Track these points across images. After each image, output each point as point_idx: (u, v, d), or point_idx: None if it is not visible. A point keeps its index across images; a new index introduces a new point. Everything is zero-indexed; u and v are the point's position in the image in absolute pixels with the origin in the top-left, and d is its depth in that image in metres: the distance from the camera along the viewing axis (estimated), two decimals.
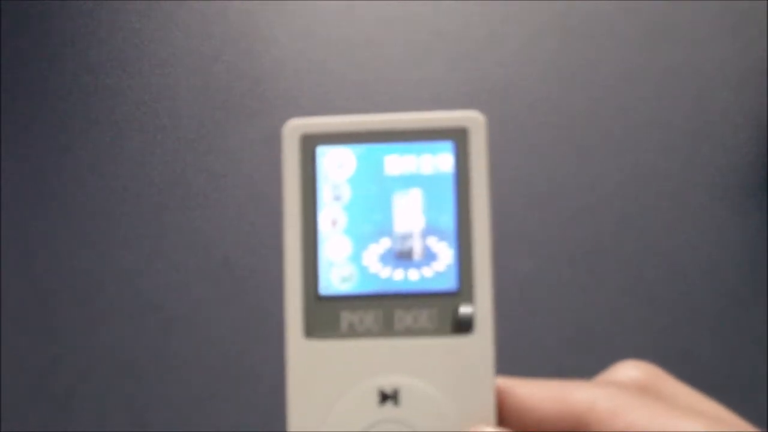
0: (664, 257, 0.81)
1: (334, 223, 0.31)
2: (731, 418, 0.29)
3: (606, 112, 0.85)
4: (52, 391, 0.80)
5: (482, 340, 0.30)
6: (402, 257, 0.31)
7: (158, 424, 0.79)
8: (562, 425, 0.29)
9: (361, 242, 0.31)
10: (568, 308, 0.80)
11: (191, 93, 0.89)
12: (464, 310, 0.30)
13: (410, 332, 0.30)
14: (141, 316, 0.82)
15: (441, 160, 0.31)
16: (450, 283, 0.31)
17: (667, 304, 0.80)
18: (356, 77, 0.88)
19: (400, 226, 0.31)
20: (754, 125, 0.84)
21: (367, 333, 0.30)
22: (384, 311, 0.31)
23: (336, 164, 0.31)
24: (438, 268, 0.31)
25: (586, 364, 0.78)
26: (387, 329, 0.30)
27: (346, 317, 0.31)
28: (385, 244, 0.31)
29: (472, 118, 0.31)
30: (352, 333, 0.30)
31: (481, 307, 0.30)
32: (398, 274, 0.31)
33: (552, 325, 0.80)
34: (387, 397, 0.30)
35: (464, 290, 0.30)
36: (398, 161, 0.31)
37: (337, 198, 0.31)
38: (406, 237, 0.31)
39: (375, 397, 0.30)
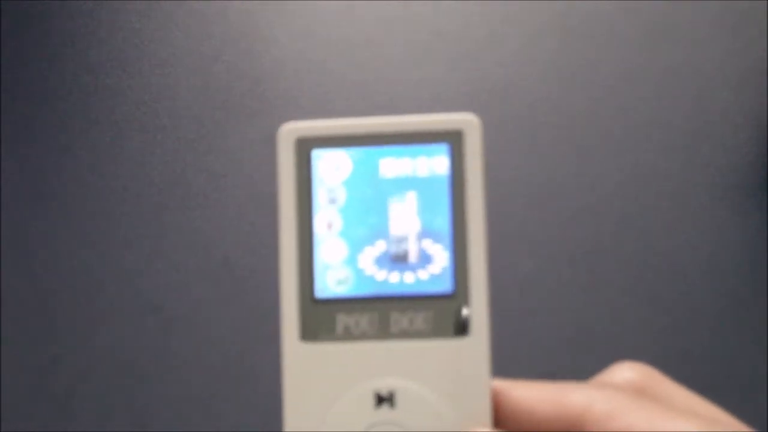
0: (664, 257, 0.81)
1: (329, 226, 0.31)
2: (727, 419, 0.29)
3: (606, 112, 0.85)
4: (52, 391, 0.80)
5: (478, 342, 0.30)
6: (397, 260, 0.31)
7: (158, 424, 0.79)
8: (559, 427, 0.29)
9: (356, 245, 0.31)
10: (568, 308, 0.80)
11: (191, 93, 0.89)
12: (460, 312, 0.30)
13: (406, 335, 0.30)
14: (141, 316, 0.82)
15: (436, 162, 0.31)
16: (445, 286, 0.31)
17: (667, 304, 0.80)
18: (356, 77, 0.88)
19: (395, 229, 0.31)
20: (754, 125, 0.84)
21: (363, 336, 0.30)
22: (380, 314, 0.31)
23: (331, 167, 0.31)
24: (433, 270, 0.31)
25: (585, 365, 0.78)
26: (383, 332, 0.30)
27: (342, 320, 0.31)
28: (380, 246, 0.31)
29: (467, 121, 0.31)
30: (348, 336, 0.30)
31: (477, 310, 0.30)
32: (394, 277, 0.31)
33: (552, 325, 0.80)
34: (383, 399, 0.30)
35: (460, 293, 0.30)
36: (393, 164, 0.31)
37: (333, 201, 0.31)
38: (402, 240, 0.31)
39: (371, 400, 0.30)
